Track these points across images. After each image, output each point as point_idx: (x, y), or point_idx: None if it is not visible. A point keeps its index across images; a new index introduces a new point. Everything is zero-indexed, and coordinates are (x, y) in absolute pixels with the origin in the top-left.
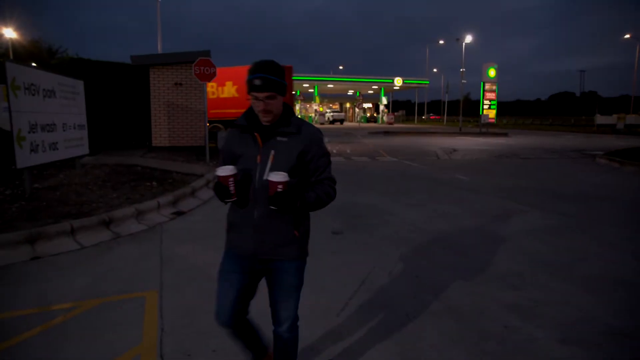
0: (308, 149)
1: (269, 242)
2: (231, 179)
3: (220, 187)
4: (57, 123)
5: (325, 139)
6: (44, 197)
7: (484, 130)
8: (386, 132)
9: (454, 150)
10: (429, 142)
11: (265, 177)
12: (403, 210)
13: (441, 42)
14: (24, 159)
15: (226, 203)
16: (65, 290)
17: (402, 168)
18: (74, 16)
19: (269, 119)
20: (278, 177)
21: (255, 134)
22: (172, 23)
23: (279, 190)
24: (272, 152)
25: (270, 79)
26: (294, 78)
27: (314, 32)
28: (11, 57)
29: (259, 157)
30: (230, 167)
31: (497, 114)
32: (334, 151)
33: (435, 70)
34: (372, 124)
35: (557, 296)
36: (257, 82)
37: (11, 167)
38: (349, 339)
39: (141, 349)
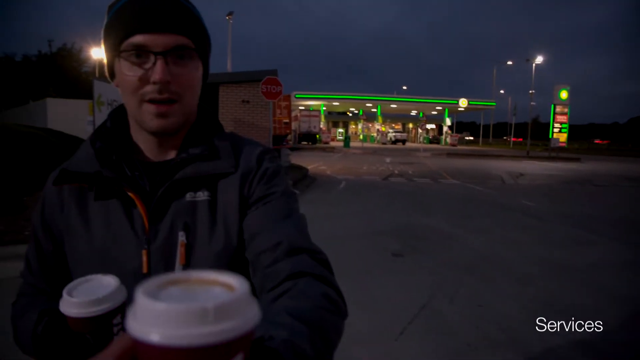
0: (249, 194)
1: None
2: (117, 319)
3: (75, 340)
4: None
5: (387, 159)
6: None
7: (553, 154)
8: (449, 154)
9: (521, 174)
10: (494, 166)
11: None
12: (466, 235)
13: (509, 62)
14: None
15: None
16: None
17: (466, 191)
18: None
19: (168, 126)
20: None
21: (130, 194)
22: (240, 44)
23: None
24: (181, 237)
25: (185, 5)
26: (357, 97)
27: (379, 52)
28: (97, 75)
29: (144, 259)
30: (111, 281)
31: (569, 138)
32: (396, 172)
33: (502, 91)
34: (434, 145)
35: (633, 336)
36: (160, 5)
37: None
38: None
39: None
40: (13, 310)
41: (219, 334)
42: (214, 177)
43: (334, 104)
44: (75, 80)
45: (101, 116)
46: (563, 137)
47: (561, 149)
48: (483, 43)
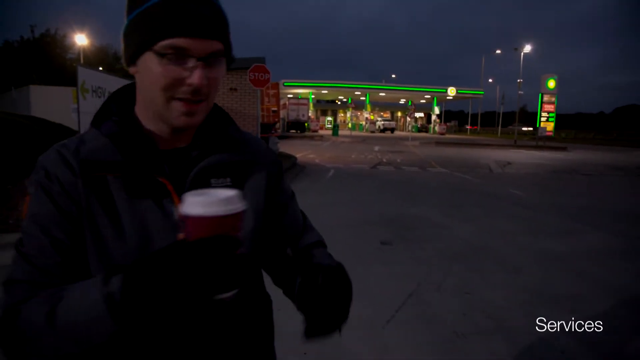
0: (276, 185)
1: None
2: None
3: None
4: None
5: (376, 147)
6: None
7: (540, 143)
8: (437, 143)
9: (508, 163)
10: (482, 154)
11: None
12: (455, 224)
13: (498, 51)
14: None
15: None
16: None
17: (454, 180)
18: None
19: (193, 123)
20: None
21: (161, 179)
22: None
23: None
24: None
25: (219, 10)
26: (346, 86)
27: (368, 40)
28: (81, 61)
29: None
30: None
31: (556, 127)
32: (384, 160)
33: (490, 80)
34: (423, 134)
35: (620, 323)
36: (202, 9)
37: None
38: (394, 352)
39: None
40: (20, 320)
41: (224, 211)
42: (236, 165)
43: (323, 92)
44: (60, 67)
45: (86, 104)
46: (550, 126)
47: (548, 138)
48: (472, 33)
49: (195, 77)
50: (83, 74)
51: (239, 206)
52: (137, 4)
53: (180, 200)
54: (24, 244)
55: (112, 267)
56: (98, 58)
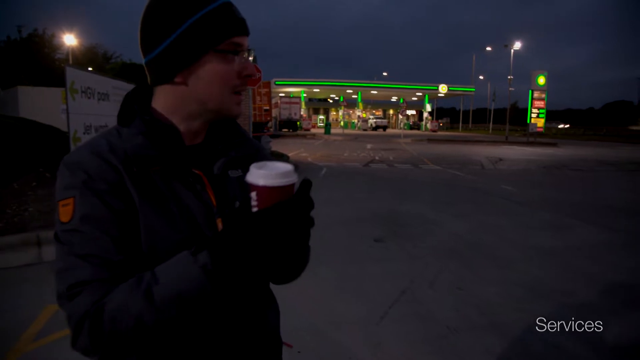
0: None
1: None
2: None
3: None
4: (109, 125)
5: (368, 145)
6: None
7: (531, 139)
8: (430, 140)
9: (500, 159)
10: (474, 151)
11: None
12: (447, 220)
13: (488, 48)
14: None
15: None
16: None
17: (446, 177)
18: (134, 23)
19: (242, 110)
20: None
21: (196, 171)
22: None
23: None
24: (237, 205)
25: None
26: (338, 84)
27: (360, 38)
28: (70, 62)
29: (220, 226)
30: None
31: (546, 123)
32: (377, 158)
33: (481, 77)
34: (415, 131)
35: (612, 317)
36: (240, 13)
37: None
38: (388, 349)
39: None
40: (112, 311)
41: (285, 182)
42: (246, 158)
43: (315, 90)
44: (49, 67)
45: (75, 104)
46: (541, 122)
47: (539, 134)
48: (464, 30)
49: (251, 67)
50: (72, 74)
51: (296, 176)
52: (180, 20)
53: (212, 189)
54: (78, 246)
55: (197, 246)
56: (87, 58)
